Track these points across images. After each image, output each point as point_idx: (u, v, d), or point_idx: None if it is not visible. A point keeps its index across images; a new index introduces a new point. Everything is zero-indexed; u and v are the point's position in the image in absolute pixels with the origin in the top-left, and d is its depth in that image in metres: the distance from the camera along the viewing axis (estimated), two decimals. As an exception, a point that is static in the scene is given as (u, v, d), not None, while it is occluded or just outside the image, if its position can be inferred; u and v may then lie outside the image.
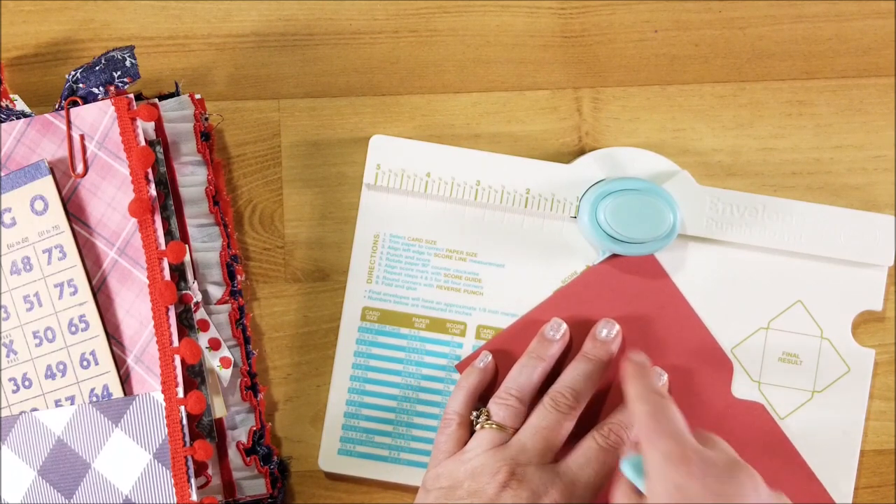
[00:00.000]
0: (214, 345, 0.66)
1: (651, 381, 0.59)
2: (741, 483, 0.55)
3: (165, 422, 0.64)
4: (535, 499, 0.60)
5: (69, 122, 0.67)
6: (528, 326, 0.69)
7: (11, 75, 0.72)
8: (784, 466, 0.68)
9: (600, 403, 0.68)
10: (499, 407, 0.64)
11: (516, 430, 0.64)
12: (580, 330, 0.68)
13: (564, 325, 0.67)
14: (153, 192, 0.65)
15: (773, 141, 0.72)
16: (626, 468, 0.58)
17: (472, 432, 0.65)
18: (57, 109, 0.67)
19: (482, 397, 0.67)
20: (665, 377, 0.67)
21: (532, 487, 0.61)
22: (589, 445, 0.63)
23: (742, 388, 0.69)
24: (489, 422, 0.64)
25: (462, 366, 0.69)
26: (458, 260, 0.70)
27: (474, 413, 0.65)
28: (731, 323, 0.69)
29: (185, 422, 0.63)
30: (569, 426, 0.64)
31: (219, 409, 0.66)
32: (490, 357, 0.68)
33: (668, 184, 0.69)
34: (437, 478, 0.63)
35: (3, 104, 0.69)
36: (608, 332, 0.66)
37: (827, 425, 0.69)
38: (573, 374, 0.65)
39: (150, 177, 0.65)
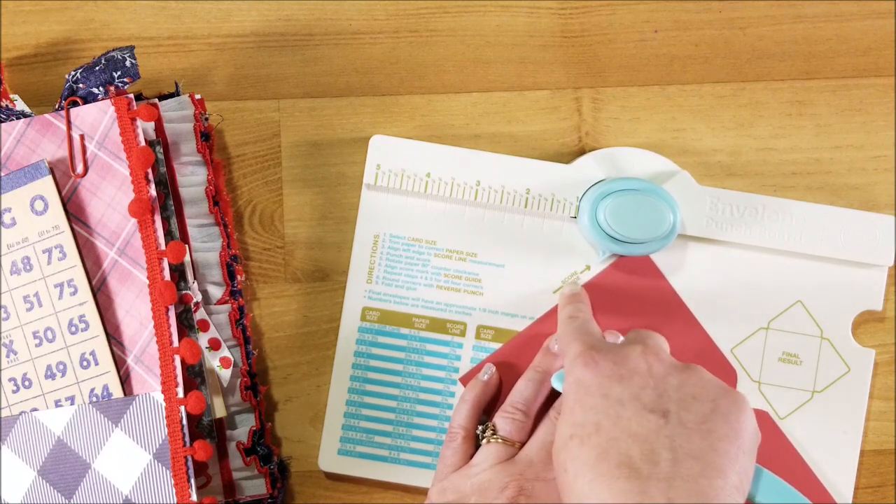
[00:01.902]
0: (214, 345, 0.66)
1: (577, 305, 0.64)
2: (627, 356, 0.58)
3: (165, 422, 0.63)
4: None
5: (69, 122, 0.67)
6: (531, 339, 0.68)
7: (11, 75, 0.72)
8: (784, 466, 0.68)
9: None
10: (505, 421, 0.64)
11: (523, 444, 0.63)
12: None
13: None
14: (153, 192, 0.65)
15: (772, 141, 0.72)
16: (554, 381, 0.64)
17: (477, 446, 0.64)
18: (57, 109, 0.67)
19: (486, 410, 0.67)
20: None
21: (540, 503, 0.60)
22: None
23: (742, 389, 0.69)
24: (495, 436, 0.63)
25: (466, 379, 0.69)
26: (458, 260, 0.70)
27: (480, 427, 0.65)
28: (732, 323, 0.69)
29: (185, 422, 0.63)
30: None
31: (219, 409, 0.66)
32: (493, 370, 0.67)
33: (668, 184, 0.69)
34: (442, 491, 0.63)
35: (3, 104, 0.69)
36: None
37: (827, 425, 0.69)
38: None
39: (150, 177, 0.65)
